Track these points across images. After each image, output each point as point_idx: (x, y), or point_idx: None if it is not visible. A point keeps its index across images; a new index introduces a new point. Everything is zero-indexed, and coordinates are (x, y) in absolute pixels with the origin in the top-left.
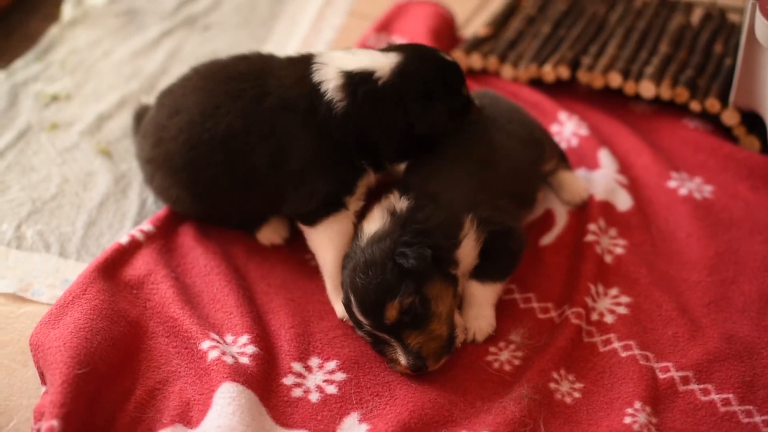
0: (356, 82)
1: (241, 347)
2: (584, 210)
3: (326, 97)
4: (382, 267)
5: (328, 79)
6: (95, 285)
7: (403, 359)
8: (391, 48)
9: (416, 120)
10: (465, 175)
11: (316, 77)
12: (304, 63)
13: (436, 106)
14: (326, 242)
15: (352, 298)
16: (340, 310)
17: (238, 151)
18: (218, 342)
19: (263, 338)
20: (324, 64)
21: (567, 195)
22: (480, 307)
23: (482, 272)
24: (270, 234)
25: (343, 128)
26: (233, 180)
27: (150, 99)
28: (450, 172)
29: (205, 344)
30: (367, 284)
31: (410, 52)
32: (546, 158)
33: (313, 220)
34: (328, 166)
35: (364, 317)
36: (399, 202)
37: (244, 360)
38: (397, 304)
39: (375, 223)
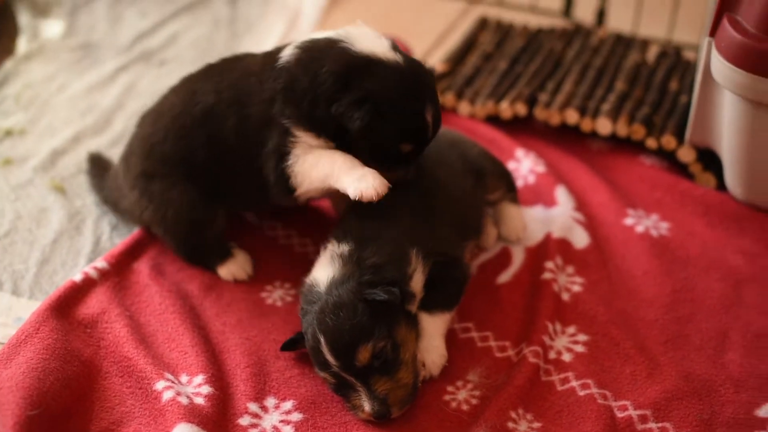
0: (310, 41)
1: (196, 387)
2: (541, 247)
3: (281, 54)
4: (353, 308)
5: (293, 44)
6: (48, 324)
7: (367, 406)
8: (395, 47)
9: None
10: (404, 209)
11: (283, 45)
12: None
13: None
14: (314, 164)
15: (322, 339)
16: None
17: (214, 125)
18: (173, 382)
19: (218, 378)
20: (303, 37)
21: (504, 230)
22: (430, 338)
23: (430, 303)
24: (235, 269)
25: (278, 79)
26: (217, 158)
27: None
28: (388, 209)
29: (160, 384)
30: (339, 325)
31: (398, 60)
32: (489, 187)
33: (283, 175)
34: (271, 121)
35: (335, 359)
36: (340, 247)
37: (199, 400)
38: (370, 347)
39: (326, 269)
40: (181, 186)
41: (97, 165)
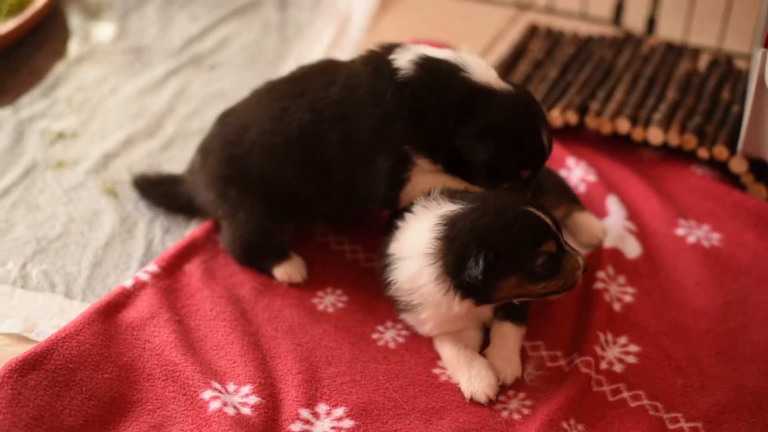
0: (430, 60)
1: (243, 397)
2: (593, 257)
3: (393, 65)
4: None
5: (403, 55)
6: (90, 328)
7: (581, 258)
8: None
9: (457, 134)
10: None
11: (391, 55)
12: (382, 49)
13: (487, 142)
14: (426, 189)
15: (541, 213)
16: None
17: (312, 143)
18: (220, 392)
19: (268, 386)
20: (406, 49)
21: (585, 237)
22: (512, 351)
23: (516, 314)
24: (291, 270)
25: (399, 95)
26: (313, 176)
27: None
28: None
29: (207, 394)
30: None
31: (510, 91)
32: (551, 205)
33: (392, 197)
34: (385, 141)
35: (556, 227)
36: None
37: (246, 411)
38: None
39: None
40: (258, 199)
41: (146, 183)
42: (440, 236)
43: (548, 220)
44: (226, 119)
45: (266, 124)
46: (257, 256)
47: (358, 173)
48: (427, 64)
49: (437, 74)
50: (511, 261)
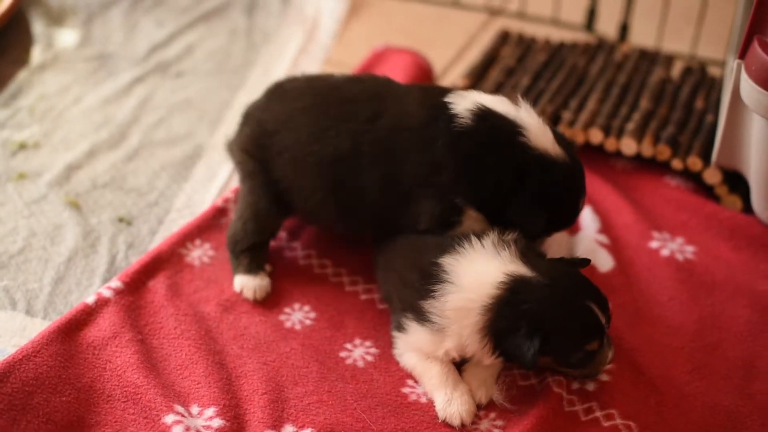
0: (488, 114)
1: (207, 420)
2: None
3: (450, 112)
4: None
5: (460, 102)
6: (50, 348)
7: (610, 352)
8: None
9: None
10: None
11: (447, 98)
12: (436, 91)
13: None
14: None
15: (594, 307)
16: None
17: (345, 173)
18: (183, 415)
19: (233, 407)
20: (462, 96)
21: (552, 254)
22: (490, 374)
23: None
24: (257, 286)
25: (453, 146)
26: (337, 200)
27: None
28: None
29: (169, 418)
30: (596, 290)
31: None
32: None
33: (438, 233)
34: (433, 188)
35: (606, 319)
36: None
37: None
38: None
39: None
40: (269, 188)
41: None
42: (500, 299)
43: (603, 319)
44: (274, 95)
45: (303, 137)
46: (244, 247)
47: (397, 208)
48: (485, 118)
49: (496, 134)
50: (556, 348)
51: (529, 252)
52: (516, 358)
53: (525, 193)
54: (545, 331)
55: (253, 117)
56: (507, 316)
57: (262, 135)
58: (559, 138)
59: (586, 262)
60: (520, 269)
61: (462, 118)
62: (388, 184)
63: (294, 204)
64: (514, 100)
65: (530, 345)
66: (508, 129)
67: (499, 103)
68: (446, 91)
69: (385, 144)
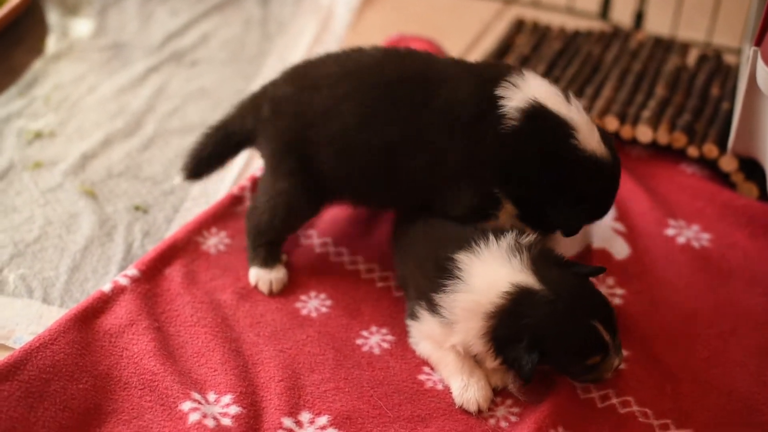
0: (541, 112)
1: (224, 407)
2: (580, 259)
3: (502, 108)
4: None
5: (513, 97)
6: (67, 336)
7: (617, 359)
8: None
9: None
10: None
11: (500, 91)
12: (487, 75)
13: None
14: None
15: (598, 324)
16: None
17: (394, 160)
18: (200, 402)
19: (249, 394)
20: (516, 85)
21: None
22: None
23: None
24: (273, 279)
25: (502, 142)
26: (385, 182)
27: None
28: None
29: (186, 405)
30: (604, 302)
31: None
32: None
33: (471, 222)
34: (475, 180)
35: (612, 335)
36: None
37: (226, 421)
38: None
39: (520, 275)
40: (306, 179)
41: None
42: (503, 309)
43: (608, 337)
44: (301, 83)
45: (351, 126)
46: (265, 240)
47: (437, 191)
48: (537, 117)
49: (547, 136)
50: (556, 362)
51: (543, 259)
52: (514, 369)
53: (569, 194)
54: (545, 346)
55: (287, 111)
56: (508, 327)
57: (302, 127)
58: (603, 134)
59: (601, 270)
60: (528, 280)
61: (513, 117)
62: (432, 170)
63: (339, 191)
64: (565, 95)
65: (529, 359)
66: (560, 131)
67: (552, 99)
68: (498, 75)
69: (433, 132)
